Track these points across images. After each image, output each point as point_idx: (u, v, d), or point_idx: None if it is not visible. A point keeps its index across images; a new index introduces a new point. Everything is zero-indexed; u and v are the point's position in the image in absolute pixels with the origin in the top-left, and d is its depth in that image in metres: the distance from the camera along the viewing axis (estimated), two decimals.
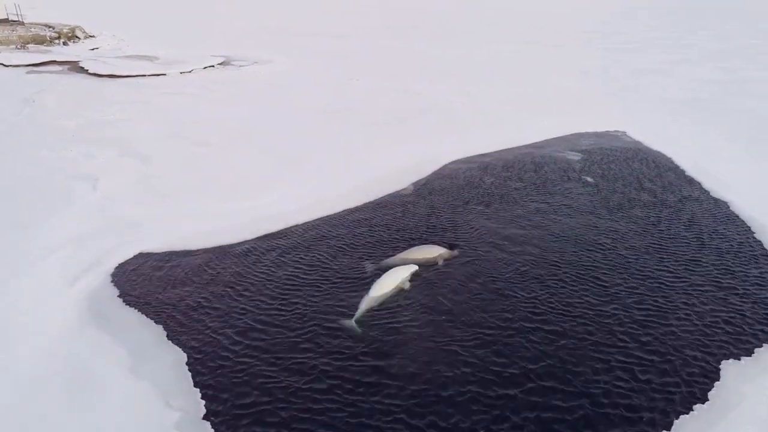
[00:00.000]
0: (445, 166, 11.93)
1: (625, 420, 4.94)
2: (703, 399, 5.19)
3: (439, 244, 8.10)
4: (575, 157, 12.36)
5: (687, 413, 5.01)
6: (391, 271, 7.20)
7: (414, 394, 5.22)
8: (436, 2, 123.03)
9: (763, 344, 5.94)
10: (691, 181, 10.94)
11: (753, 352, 5.81)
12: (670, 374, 5.48)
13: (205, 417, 4.99)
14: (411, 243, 8.29)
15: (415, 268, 7.32)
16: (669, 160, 12.26)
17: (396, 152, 12.70)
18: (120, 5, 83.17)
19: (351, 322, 6.33)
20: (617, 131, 14.79)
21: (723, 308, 6.59)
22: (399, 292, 6.91)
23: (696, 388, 5.32)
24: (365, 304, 6.61)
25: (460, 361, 5.65)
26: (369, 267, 7.59)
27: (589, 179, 10.96)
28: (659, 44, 38.04)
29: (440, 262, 7.62)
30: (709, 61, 28.97)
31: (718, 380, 5.43)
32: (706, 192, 10.37)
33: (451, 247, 8.06)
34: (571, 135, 14.46)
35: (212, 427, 4.89)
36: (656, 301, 6.72)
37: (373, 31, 49.91)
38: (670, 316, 6.39)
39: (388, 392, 5.26)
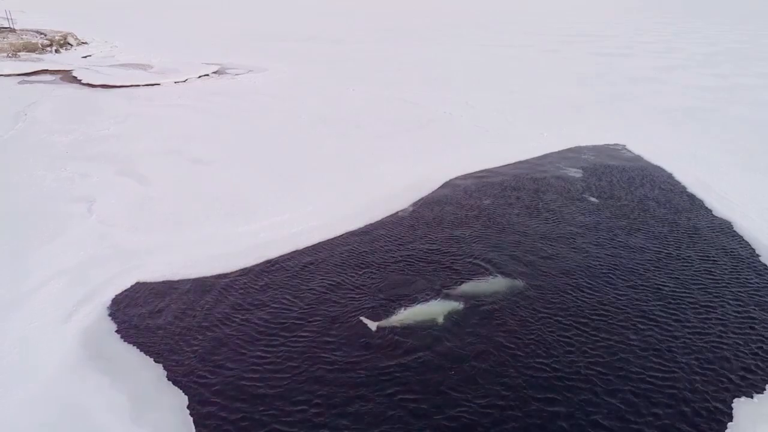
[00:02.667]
0: (446, 184, 11.80)
1: None
2: None
3: (505, 277, 7.93)
4: (576, 174, 12.28)
5: None
6: (433, 302, 7.21)
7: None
8: (432, 2, 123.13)
9: None
10: (694, 200, 10.87)
11: (766, 389, 5.73)
12: (683, 416, 5.37)
13: None
14: (415, 272, 8.16)
15: (456, 305, 7.12)
16: (670, 176, 12.19)
17: (395, 168, 12.57)
18: (110, 8, 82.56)
19: (373, 324, 6.68)
20: (617, 145, 14.74)
21: (732, 343, 6.50)
22: (431, 322, 6.79)
23: (707, 428, 5.23)
24: (395, 317, 6.82)
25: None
26: (437, 292, 7.56)
27: (592, 199, 10.88)
28: (654, 48, 38.24)
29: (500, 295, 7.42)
30: (703, 66, 29.13)
31: (731, 420, 5.34)
32: (708, 211, 10.31)
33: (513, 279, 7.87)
34: (571, 149, 14.40)
35: None
36: (666, 337, 6.61)
37: (368, 34, 49.81)
38: (679, 353, 6.29)
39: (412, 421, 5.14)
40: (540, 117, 17.90)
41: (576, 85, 23.97)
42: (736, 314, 7.04)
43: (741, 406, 5.49)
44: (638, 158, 13.58)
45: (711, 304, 7.25)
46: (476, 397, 5.59)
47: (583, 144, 14.80)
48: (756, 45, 41.54)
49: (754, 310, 7.13)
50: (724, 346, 6.39)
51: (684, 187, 11.51)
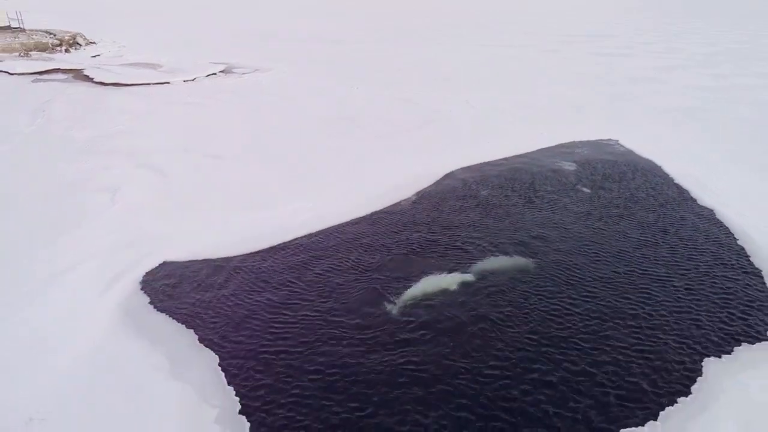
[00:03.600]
0: (446, 177, 12.48)
1: (616, 408, 5.55)
2: (686, 393, 5.81)
3: (518, 255, 8.74)
4: (571, 167, 12.98)
5: (671, 405, 5.63)
6: (440, 275, 8.00)
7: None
8: (432, 2, 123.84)
9: (743, 343, 6.58)
10: (681, 190, 11.53)
11: (732, 351, 6.45)
12: (656, 370, 6.10)
13: (241, 412, 5.58)
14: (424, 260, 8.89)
15: (467, 277, 7.94)
16: (668, 176, 12.60)
17: (396, 167, 13.09)
18: (110, 8, 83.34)
19: (392, 307, 7.27)
20: (611, 140, 15.43)
21: (705, 310, 7.24)
22: (443, 293, 7.57)
23: (680, 382, 5.95)
24: (409, 294, 7.50)
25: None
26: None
27: (585, 190, 11.59)
28: (654, 48, 38.92)
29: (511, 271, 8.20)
30: (703, 66, 29.79)
31: (700, 376, 6.06)
32: (693, 200, 11.03)
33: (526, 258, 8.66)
34: (567, 144, 15.08)
35: (247, 421, 5.49)
36: (644, 304, 7.38)
37: (368, 34, 50.53)
38: (658, 323, 7.01)
39: (417, 385, 5.85)
40: (540, 117, 18.49)
41: (576, 85, 24.57)
42: (711, 292, 7.74)
43: (710, 364, 6.21)
44: (637, 158, 14.05)
45: (690, 283, 7.97)
46: (476, 368, 6.31)
47: (578, 139, 15.46)
48: (756, 45, 42.11)
49: (728, 289, 7.84)
50: (699, 317, 7.12)
51: (682, 187, 11.90)
